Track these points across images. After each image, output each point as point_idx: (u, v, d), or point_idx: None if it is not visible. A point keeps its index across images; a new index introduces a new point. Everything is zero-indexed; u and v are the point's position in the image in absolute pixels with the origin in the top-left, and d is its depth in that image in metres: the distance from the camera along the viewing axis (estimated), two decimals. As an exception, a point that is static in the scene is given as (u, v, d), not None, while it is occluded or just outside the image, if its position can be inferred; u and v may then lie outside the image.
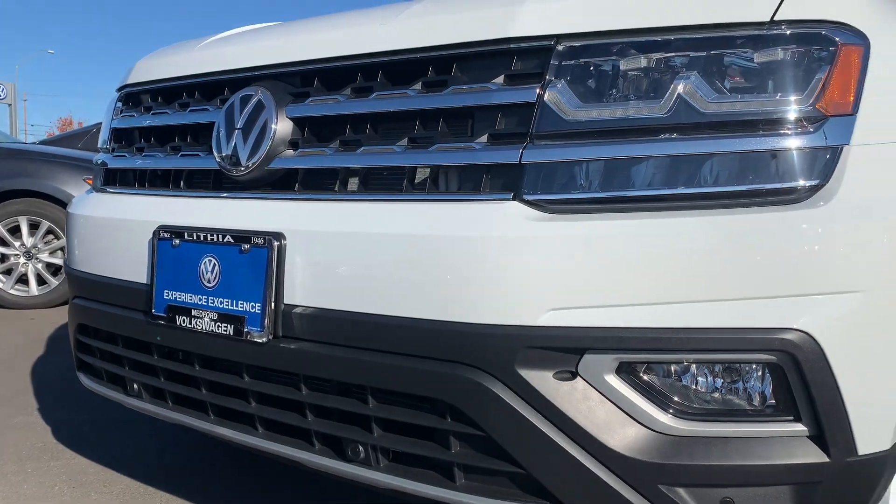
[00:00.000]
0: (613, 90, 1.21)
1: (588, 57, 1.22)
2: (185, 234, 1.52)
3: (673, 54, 1.19)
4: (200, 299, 1.49)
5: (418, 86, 1.33)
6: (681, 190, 1.15)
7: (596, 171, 1.18)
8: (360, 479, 1.36)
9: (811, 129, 1.13)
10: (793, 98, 1.14)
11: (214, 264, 1.47)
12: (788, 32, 1.16)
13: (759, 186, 1.13)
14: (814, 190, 1.12)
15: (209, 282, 1.47)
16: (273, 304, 1.36)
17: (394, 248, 1.23)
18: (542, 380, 1.13)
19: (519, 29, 1.24)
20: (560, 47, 1.22)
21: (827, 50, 1.16)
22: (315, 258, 1.32)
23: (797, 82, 1.15)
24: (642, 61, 1.19)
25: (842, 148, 1.14)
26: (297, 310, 1.34)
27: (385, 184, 1.37)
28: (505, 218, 1.17)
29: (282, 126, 1.48)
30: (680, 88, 1.16)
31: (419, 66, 1.34)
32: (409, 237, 1.22)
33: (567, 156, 1.19)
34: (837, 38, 1.16)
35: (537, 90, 1.21)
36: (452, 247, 1.17)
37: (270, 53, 1.58)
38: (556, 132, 1.20)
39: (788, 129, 1.14)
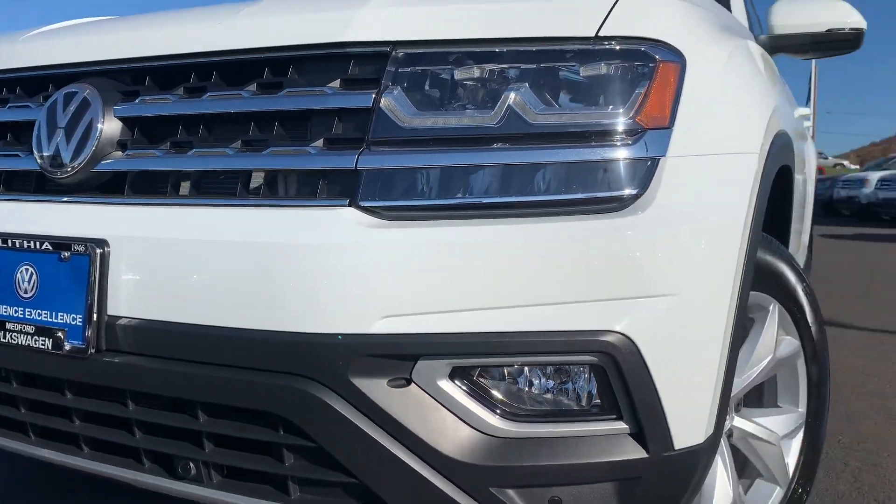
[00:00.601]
0: (448, 99, 1.23)
1: (424, 65, 1.23)
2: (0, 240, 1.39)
3: (505, 66, 1.22)
4: (16, 311, 1.37)
5: (253, 87, 1.29)
6: (509, 198, 1.18)
7: (430, 179, 1.19)
8: (193, 497, 1.29)
9: (631, 142, 1.19)
10: (615, 111, 1.20)
11: (32, 273, 1.35)
12: (612, 48, 1.22)
13: (582, 195, 1.17)
14: (633, 199, 1.18)
15: (26, 292, 1.36)
16: (95, 315, 1.27)
17: (223, 255, 1.18)
18: (376, 387, 1.13)
19: (355, 34, 1.23)
20: (396, 54, 1.22)
21: (647, 66, 1.23)
22: (140, 266, 1.25)
23: (619, 96, 1.21)
24: (476, 71, 1.21)
25: (659, 159, 1.20)
26: (122, 321, 1.26)
27: (219, 188, 1.32)
28: (339, 224, 1.16)
29: (109, 126, 1.39)
30: (511, 99, 1.19)
31: (255, 67, 1.30)
32: (239, 244, 1.17)
33: (403, 163, 1.19)
34: (656, 56, 1.23)
35: (373, 96, 1.21)
36: (284, 254, 1.14)
37: (100, 49, 1.49)
38: (392, 139, 1.20)
39: (610, 140, 1.19)
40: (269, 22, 1.30)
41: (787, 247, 2.05)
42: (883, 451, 2.55)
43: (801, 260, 2.66)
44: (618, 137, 1.19)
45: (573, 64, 1.22)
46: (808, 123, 4.89)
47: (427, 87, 1.23)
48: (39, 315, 1.34)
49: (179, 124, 1.35)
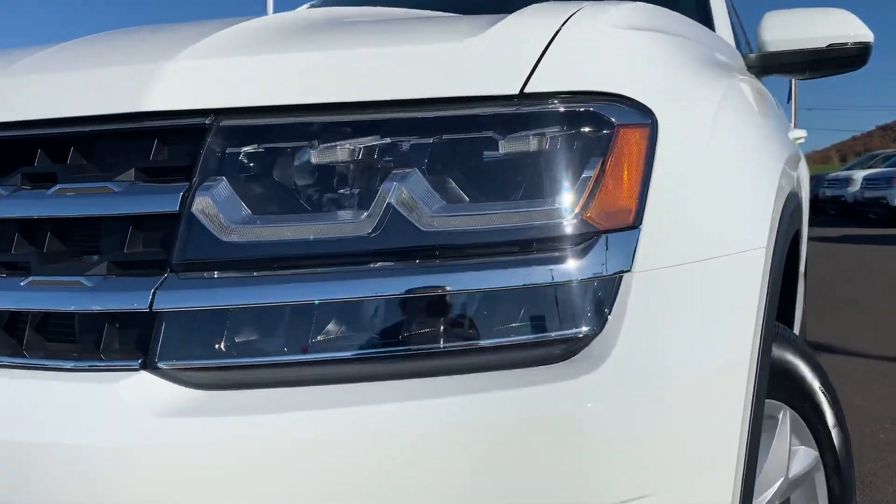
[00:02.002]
0: (298, 195, 0.81)
1: (261, 144, 0.81)
2: None
3: (385, 142, 0.80)
4: None
5: (16, 180, 0.86)
6: (393, 351, 0.76)
7: (269, 323, 0.77)
8: None
9: (577, 253, 0.78)
10: (552, 207, 0.78)
11: None
12: (545, 109, 0.81)
13: (499, 342, 0.76)
14: (581, 344, 0.77)
15: None
16: None
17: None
18: None
19: (155, 101, 0.81)
20: (218, 128, 0.80)
21: (599, 134, 0.82)
22: None
23: (557, 183, 0.80)
24: (341, 152, 0.80)
25: (621, 277, 0.79)
26: None
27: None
28: (122, 405, 0.73)
29: None
30: (393, 195, 0.77)
31: (19, 148, 0.88)
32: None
33: (225, 299, 0.77)
34: (612, 118, 0.82)
35: (181, 195, 0.79)
36: (32, 455, 0.72)
37: None
38: (210, 260, 0.78)
39: (545, 253, 0.78)
40: (36, 85, 0.87)
41: (793, 323, 1.65)
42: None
43: (798, 315, 2.23)
44: (556, 248, 0.78)
45: (487, 137, 0.80)
46: (801, 142, 4.50)
47: (265, 179, 0.81)
48: None
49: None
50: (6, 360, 0.80)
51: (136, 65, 0.82)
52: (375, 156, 0.80)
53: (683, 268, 0.83)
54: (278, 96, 0.80)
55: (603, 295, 0.78)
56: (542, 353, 0.77)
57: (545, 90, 0.81)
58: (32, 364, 0.78)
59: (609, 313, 0.78)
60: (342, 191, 0.80)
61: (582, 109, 0.82)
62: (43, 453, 0.71)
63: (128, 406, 0.73)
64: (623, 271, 0.79)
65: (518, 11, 0.90)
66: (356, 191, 0.79)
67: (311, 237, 0.77)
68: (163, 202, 0.78)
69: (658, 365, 0.77)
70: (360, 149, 0.79)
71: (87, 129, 0.83)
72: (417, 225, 0.76)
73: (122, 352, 0.77)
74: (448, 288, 0.76)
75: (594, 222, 0.79)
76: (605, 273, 0.78)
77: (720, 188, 0.90)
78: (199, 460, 0.70)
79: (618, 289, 0.79)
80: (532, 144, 0.79)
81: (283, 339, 0.77)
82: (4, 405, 0.75)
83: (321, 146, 0.79)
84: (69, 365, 0.77)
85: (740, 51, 2.08)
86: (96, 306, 0.77)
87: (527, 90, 0.81)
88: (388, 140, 0.80)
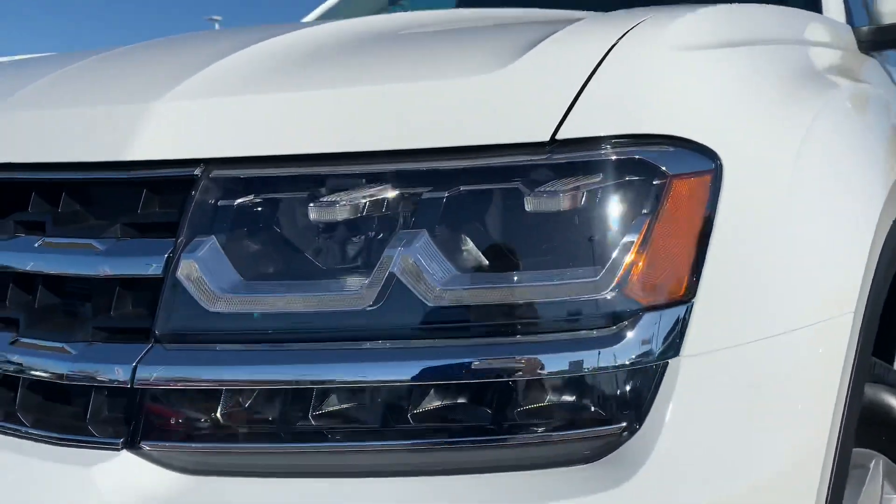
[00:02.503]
0: (295, 257, 0.71)
1: (254, 197, 0.72)
2: None
3: (393, 197, 0.69)
4: None
5: (10, 226, 0.81)
6: (394, 443, 0.67)
7: (257, 403, 0.69)
8: None
9: (613, 335, 0.66)
10: (583, 279, 0.66)
11: None
12: (579, 159, 0.68)
13: (515, 437, 0.65)
14: (612, 443, 0.65)
15: None
16: None
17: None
18: None
19: (143, 149, 0.72)
20: (208, 180, 0.71)
21: (646, 187, 0.68)
22: None
23: (591, 249, 0.67)
24: (340, 210, 0.69)
25: (666, 364, 0.66)
26: None
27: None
28: (94, 496, 0.67)
29: None
30: (396, 264, 0.66)
31: (15, 190, 0.82)
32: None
33: (209, 375, 0.69)
34: (664, 167, 0.68)
35: (166, 256, 0.71)
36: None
37: None
38: (195, 331, 0.70)
39: (574, 333, 0.66)
40: (27, 124, 0.80)
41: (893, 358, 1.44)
42: None
43: None
44: (588, 328, 0.66)
45: (509, 192, 0.68)
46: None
47: (259, 238, 0.72)
48: None
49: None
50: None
51: (122, 105, 0.74)
52: (380, 214, 0.69)
53: (747, 348, 0.69)
54: (274, 146, 0.71)
55: (642, 385, 0.66)
56: (565, 452, 0.66)
57: (582, 135, 0.68)
58: (15, 430, 0.73)
59: (649, 407, 0.65)
60: (343, 255, 0.70)
61: (626, 158, 0.68)
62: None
63: (113, 483, 0.66)
64: (669, 356, 0.66)
65: (564, 30, 0.76)
66: (358, 256, 0.69)
67: (307, 309, 0.68)
68: (146, 265, 0.71)
69: (707, 475, 0.64)
70: (364, 205, 0.69)
71: (77, 175, 0.77)
72: (423, 299, 0.66)
73: (105, 429, 0.71)
74: (456, 373, 0.65)
75: (636, 297, 0.67)
76: (647, 359, 0.66)
77: (800, 245, 0.75)
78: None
79: (661, 377, 0.66)
80: (562, 202, 0.67)
81: (276, 423, 0.69)
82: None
83: (320, 202, 0.69)
84: (53, 436, 0.71)
85: (852, 24, 1.82)
86: (77, 378, 0.71)
87: (559, 136, 0.68)
88: (394, 196, 0.69)
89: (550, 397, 0.66)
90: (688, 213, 0.69)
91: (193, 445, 0.69)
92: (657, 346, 0.66)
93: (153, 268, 0.70)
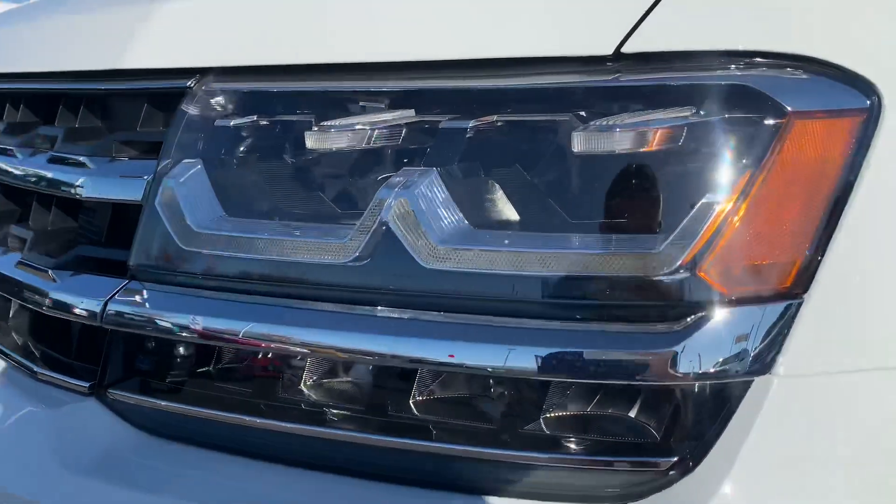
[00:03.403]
0: (286, 191, 0.58)
1: (249, 115, 0.59)
2: None
3: (402, 122, 0.54)
4: None
5: (33, 140, 0.75)
6: (368, 435, 0.52)
7: (232, 365, 0.58)
8: None
9: (673, 332, 0.46)
10: (635, 249, 0.47)
11: None
12: (651, 83, 0.48)
13: (520, 454, 0.48)
14: (656, 481, 0.46)
15: None
16: None
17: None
18: None
19: (135, 57, 0.62)
20: (197, 91, 0.60)
21: (748, 129, 0.47)
22: None
23: (652, 209, 0.48)
24: (337, 137, 0.54)
25: (748, 385, 0.46)
26: None
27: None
28: (51, 440, 0.60)
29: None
30: (388, 209, 0.51)
31: (42, 101, 0.76)
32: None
33: (180, 320, 0.58)
34: (782, 100, 0.47)
35: (147, 179, 0.60)
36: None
37: None
38: (166, 269, 0.59)
39: (614, 324, 0.48)
40: (49, 32, 0.73)
41: None
42: None
43: None
44: (635, 319, 0.47)
45: (551, 128, 0.50)
46: None
47: (250, 165, 0.59)
48: None
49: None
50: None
51: (124, 8, 0.65)
52: (389, 146, 0.54)
53: (871, 376, 0.46)
54: (278, 53, 0.58)
55: (708, 409, 0.46)
56: (592, 485, 0.48)
57: (657, 49, 0.48)
58: (6, 355, 0.68)
59: (714, 440, 0.46)
60: (341, 195, 0.56)
61: (722, 84, 0.48)
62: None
63: (57, 443, 0.59)
64: (755, 372, 0.46)
65: None
66: (357, 198, 0.55)
67: (285, 257, 0.55)
68: (126, 188, 0.61)
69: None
70: (371, 133, 0.54)
71: (86, 86, 0.69)
72: (415, 256, 0.50)
73: (78, 369, 0.64)
74: (447, 360, 0.50)
75: (715, 282, 0.46)
76: (719, 374, 0.46)
77: None
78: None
79: (739, 401, 0.46)
80: (622, 143, 0.48)
81: (246, 391, 0.57)
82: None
83: (322, 126, 0.55)
84: (32, 368, 0.65)
85: None
86: (55, 307, 0.63)
87: (627, 48, 0.48)
88: (408, 123, 0.54)
89: (571, 409, 0.49)
90: (814, 171, 0.47)
91: (157, 402, 0.59)
92: (739, 357, 0.46)
93: (132, 192, 0.60)
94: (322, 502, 0.53)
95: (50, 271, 0.65)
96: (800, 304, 0.46)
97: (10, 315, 0.72)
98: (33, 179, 0.68)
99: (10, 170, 0.70)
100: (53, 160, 0.66)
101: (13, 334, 0.71)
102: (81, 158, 0.65)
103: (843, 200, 0.47)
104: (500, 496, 0.49)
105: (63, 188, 0.65)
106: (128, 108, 0.67)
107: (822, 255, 0.46)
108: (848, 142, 0.47)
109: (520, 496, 0.49)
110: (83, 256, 0.65)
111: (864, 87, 0.48)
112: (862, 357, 0.46)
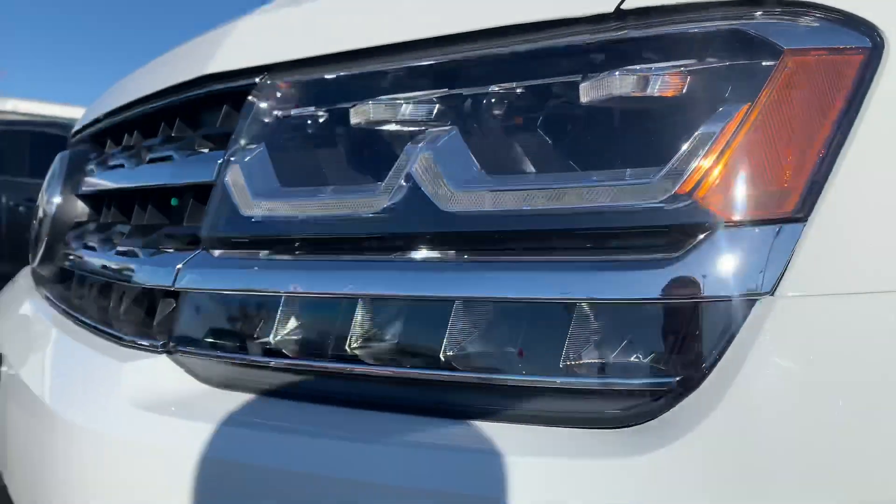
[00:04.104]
0: (336, 164, 0.65)
1: (305, 102, 0.67)
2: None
3: (430, 94, 0.60)
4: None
5: (140, 152, 0.87)
6: (394, 370, 0.56)
7: (274, 313, 0.63)
8: None
9: (674, 258, 0.48)
10: (638, 181, 0.50)
11: None
12: (650, 35, 0.52)
13: (533, 379, 0.50)
14: (657, 405, 0.47)
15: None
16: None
17: (22, 406, 0.78)
18: None
19: (219, 62, 0.73)
20: (261, 87, 0.69)
21: (741, 67, 0.50)
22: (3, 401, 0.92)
23: (649, 143, 0.51)
24: (375, 110, 0.61)
25: (752, 304, 0.46)
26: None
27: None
28: (117, 389, 0.67)
29: (65, 202, 1.10)
30: (413, 163, 0.57)
31: (151, 121, 0.88)
32: (31, 396, 0.76)
33: (234, 281, 0.65)
34: (775, 40, 0.49)
35: (219, 162, 0.69)
36: (51, 432, 0.69)
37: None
38: (230, 237, 0.67)
39: (618, 254, 0.50)
40: (168, 62, 0.87)
41: None
42: None
43: None
44: (639, 245, 0.49)
45: (560, 82, 0.54)
46: None
47: (302, 139, 0.67)
48: None
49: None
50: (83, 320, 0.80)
51: (213, 31, 0.76)
52: (413, 112, 0.60)
53: (870, 298, 0.45)
54: (325, 43, 0.66)
55: (711, 329, 0.47)
56: (596, 409, 0.49)
57: (657, 3, 0.52)
58: (94, 327, 0.77)
59: (717, 359, 0.46)
60: (380, 161, 0.62)
61: (719, 29, 0.51)
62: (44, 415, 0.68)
63: (121, 390, 0.65)
64: (761, 294, 0.46)
65: None
66: (392, 160, 0.61)
67: (328, 214, 0.61)
68: (202, 171, 0.70)
69: (766, 464, 0.43)
70: (399, 104, 0.60)
71: (168, 101, 0.80)
72: (434, 201, 0.55)
73: (155, 332, 0.71)
74: (466, 293, 0.53)
75: (713, 207, 0.48)
76: (722, 295, 0.47)
77: None
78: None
79: (742, 321, 0.46)
80: (620, 84, 0.51)
81: (300, 344, 0.62)
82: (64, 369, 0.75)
83: (364, 103, 0.62)
84: (115, 334, 0.74)
85: None
86: (134, 280, 0.72)
87: (626, 5, 0.53)
88: (434, 95, 0.60)
89: (581, 335, 0.50)
90: (815, 105, 0.49)
91: (220, 354, 0.65)
92: (741, 278, 0.47)
93: (206, 174, 0.69)
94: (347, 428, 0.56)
95: (139, 250, 0.74)
96: (801, 229, 0.47)
97: (96, 294, 0.82)
98: (138, 182, 0.79)
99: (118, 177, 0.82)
100: (152, 160, 0.77)
101: (99, 310, 0.80)
102: (169, 153, 0.75)
103: (846, 133, 0.48)
104: (507, 422, 0.51)
105: (153, 179, 0.75)
106: (205, 112, 0.77)
107: (825, 181, 0.47)
108: (851, 77, 0.49)
109: (527, 422, 0.50)
110: (168, 235, 0.74)
111: (866, 28, 0.49)
112: (862, 281, 0.45)
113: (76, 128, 1.27)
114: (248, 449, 0.55)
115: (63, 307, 0.92)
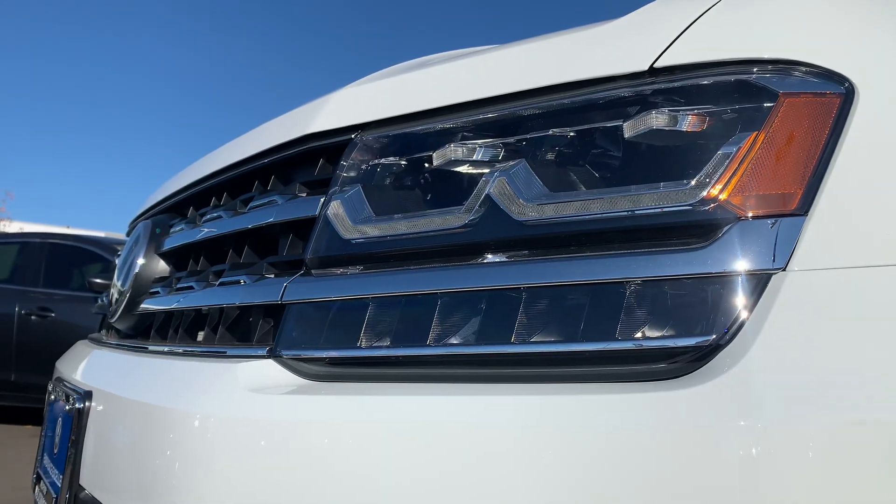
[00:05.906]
0: (420, 197, 0.80)
1: (388, 150, 0.83)
2: (55, 389, 1.31)
3: (494, 137, 0.76)
4: (47, 468, 1.25)
5: (235, 205, 1.02)
6: (501, 349, 0.68)
7: (372, 318, 0.76)
8: None
9: (707, 245, 0.62)
10: (674, 189, 0.64)
11: (59, 426, 1.23)
12: (676, 85, 0.69)
13: (606, 346, 0.63)
14: (700, 357, 0.59)
15: (55, 447, 1.23)
16: (68, 483, 1.06)
17: (133, 419, 0.89)
18: None
19: (319, 123, 0.90)
20: (357, 140, 0.85)
21: (751, 106, 0.66)
22: (97, 429, 1.02)
23: (683, 162, 0.66)
24: (454, 152, 0.77)
25: (769, 277, 0.60)
26: (83, 494, 1.03)
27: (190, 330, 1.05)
28: (232, 382, 0.78)
29: (148, 262, 1.24)
30: (491, 186, 0.72)
31: (242, 182, 1.04)
32: (145, 407, 0.87)
33: (334, 291, 0.78)
34: (774, 87, 0.66)
35: (321, 200, 0.84)
36: (174, 426, 0.80)
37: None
38: (334, 256, 0.81)
39: (661, 245, 0.64)
40: (263, 128, 1.04)
41: None
42: None
43: None
44: (677, 237, 0.63)
45: (608, 125, 0.71)
46: None
47: (393, 183, 0.82)
48: (53, 477, 1.19)
49: (184, 256, 1.14)
50: (180, 348, 0.93)
51: (306, 105, 0.94)
52: (485, 153, 0.75)
53: (879, 271, 0.59)
54: (410, 103, 0.83)
55: (738, 297, 0.60)
56: (657, 369, 0.61)
57: (682, 62, 0.69)
58: (202, 353, 0.89)
59: (742, 323, 0.59)
60: (455, 188, 0.77)
61: (732, 80, 0.67)
62: (181, 420, 0.79)
63: (236, 383, 0.77)
64: (774, 270, 0.60)
65: None
66: (465, 188, 0.76)
67: (417, 231, 0.75)
68: (307, 208, 0.85)
69: (786, 399, 0.55)
70: (473, 148, 0.76)
71: (272, 159, 0.96)
72: (510, 214, 0.69)
73: (260, 341, 0.83)
74: (541, 283, 0.66)
75: (735, 207, 0.63)
76: (745, 271, 0.60)
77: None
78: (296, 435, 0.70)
79: (762, 290, 0.59)
80: (656, 121, 0.67)
81: (392, 338, 0.75)
82: (171, 383, 0.87)
83: (443, 150, 0.78)
84: (220, 352, 0.86)
85: None
86: (241, 301, 0.85)
87: (658, 64, 0.69)
88: (495, 136, 0.76)
89: (633, 309, 0.63)
90: (807, 132, 0.64)
91: (323, 353, 0.77)
92: (759, 259, 0.60)
93: (311, 210, 0.84)
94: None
95: (243, 279, 0.88)
96: (803, 222, 0.61)
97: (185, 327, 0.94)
98: (241, 226, 0.95)
99: (218, 226, 0.97)
100: (254, 207, 0.93)
101: (191, 341, 0.92)
102: (275, 198, 0.90)
103: (831, 152, 0.63)
104: (563, 382, 0.63)
105: (258, 221, 0.90)
106: (307, 165, 0.93)
107: (819, 185, 0.62)
108: (832, 113, 0.65)
109: (580, 380, 0.62)
110: (271, 264, 0.88)
111: (839, 79, 0.66)
112: (850, 258, 0.59)
113: (150, 203, 1.43)
114: (356, 408, 0.67)
115: (146, 346, 1.04)
